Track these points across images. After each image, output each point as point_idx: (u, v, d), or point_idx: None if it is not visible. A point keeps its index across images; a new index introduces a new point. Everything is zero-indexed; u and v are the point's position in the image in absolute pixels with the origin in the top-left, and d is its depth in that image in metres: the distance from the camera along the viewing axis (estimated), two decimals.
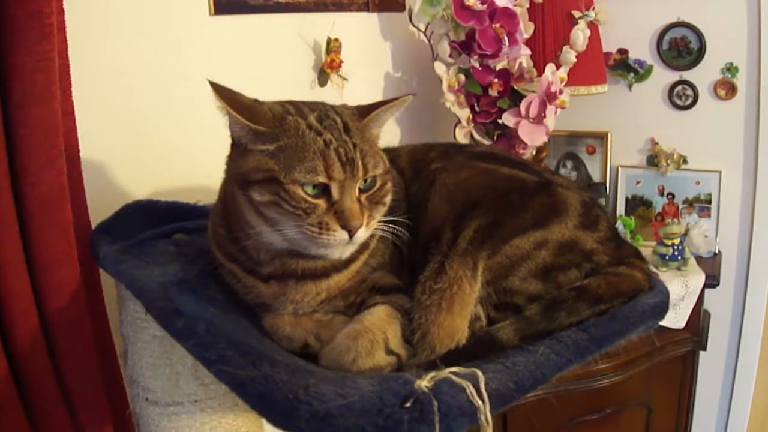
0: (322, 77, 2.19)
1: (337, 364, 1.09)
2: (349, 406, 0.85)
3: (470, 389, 0.90)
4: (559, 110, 2.45)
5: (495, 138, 2.58)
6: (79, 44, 1.37)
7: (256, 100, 1.15)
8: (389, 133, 2.53)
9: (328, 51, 2.15)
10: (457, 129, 2.52)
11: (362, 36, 2.38)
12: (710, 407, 3.01)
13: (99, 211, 1.46)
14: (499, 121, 2.49)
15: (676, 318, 2.56)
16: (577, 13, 2.53)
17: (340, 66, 2.16)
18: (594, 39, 2.61)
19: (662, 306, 1.32)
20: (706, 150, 2.84)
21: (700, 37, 2.74)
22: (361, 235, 1.11)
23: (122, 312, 1.39)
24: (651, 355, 2.58)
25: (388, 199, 1.18)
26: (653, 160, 2.94)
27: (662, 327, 2.51)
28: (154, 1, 1.64)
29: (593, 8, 2.56)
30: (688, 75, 2.82)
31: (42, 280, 1.27)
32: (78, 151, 1.40)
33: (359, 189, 1.12)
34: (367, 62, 2.41)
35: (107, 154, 1.58)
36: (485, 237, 1.21)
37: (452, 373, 0.92)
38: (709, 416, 3.01)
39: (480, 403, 0.91)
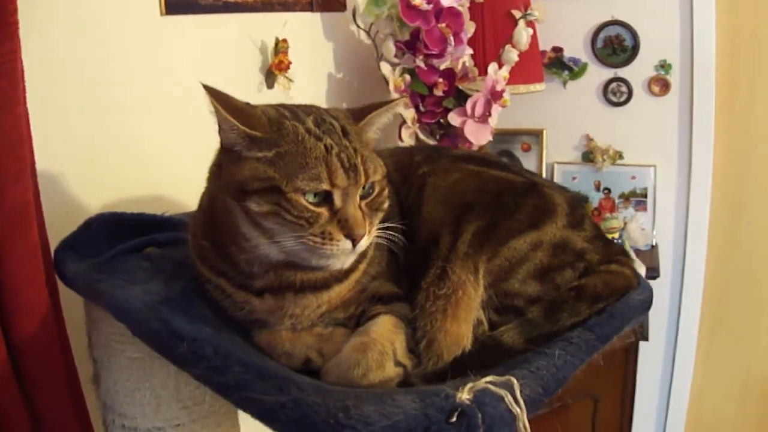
0: (270, 79, 2.12)
1: (346, 379, 1.04)
2: (395, 427, 0.80)
3: (509, 398, 0.88)
4: (500, 109, 2.46)
5: (438, 138, 2.57)
6: (24, 47, 1.27)
7: (247, 104, 1.08)
8: None
9: (276, 52, 2.08)
10: (402, 129, 2.48)
11: (306, 36, 2.32)
12: (651, 395, 3.08)
13: (52, 226, 1.36)
14: (442, 121, 2.48)
15: None
16: (517, 13, 2.55)
17: (288, 67, 2.10)
18: (531, 37, 2.63)
19: (649, 301, 1.35)
20: (641, 145, 2.91)
21: (634, 35, 2.80)
22: (364, 243, 1.07)
23: (93, 335, 1.30)
24: None
25: (386, 205, 1.13)
26: (588, 156, 2.99)
27: None
28: (105, 1, 1.54)
29: (531, 7, 2.58)
30: (622, 72, 2.88)
31: (9, 304, 1.17)
32: (34, 162, 1.30)
33: (359, 195, 1.07)
34: (312, 63, 2.35)
35: (58, 164, 1.48)
36: (483, 240, 1.19)
37: (489, 382, 0.89)
38: (651, 404, 3.09)
39: (518, 410, 0.88)
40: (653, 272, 2.69)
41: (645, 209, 2.92)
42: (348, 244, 1.04)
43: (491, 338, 1.16)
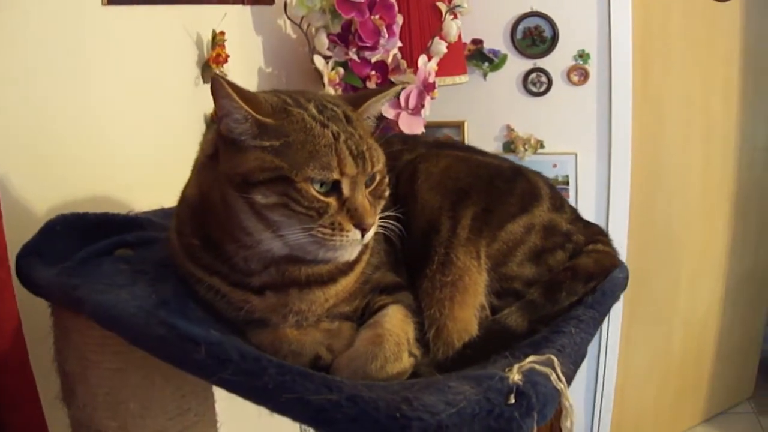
0: (206, 72, 2.03)
1: (362, 373, 1.01)
2: (460, 414, 0.78)
3: (554, 375, 0.87)
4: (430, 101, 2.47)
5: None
6: None
7: (248, 90, 1.03)
8: None
9: (214, 45, 2.00)
10: None
11: (238, 30, 2.24)
12: (582, 372, 3.15)
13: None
14: None
15: None
16: (443, 6, 2.56)
17: (226, 60, 2.02)
18: None
19: (627, 279, 1.39)
20: (562, 134, 2.98)
21: (553, 26, 2.87)
22: (372, 233, 1.04)
23: (63, 347, 1.21)
24: None
25: (387, 193, 1.11)
26: (510, 146, 3.04)
27: None
28: None
29: None
30: (542, 63, 2.94)
31: None
32: None
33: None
34: (243, 57, 2.28)
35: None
36: (482, 224, 1.20)
37: (532, 362, 0.88)
38: (582, 380, 3.17)
39: (562, 386, 0.88)
40: None
41: (567, 196, 3.00)
42: (357, 234, 1.01)
43: (496, 322, 1.16)
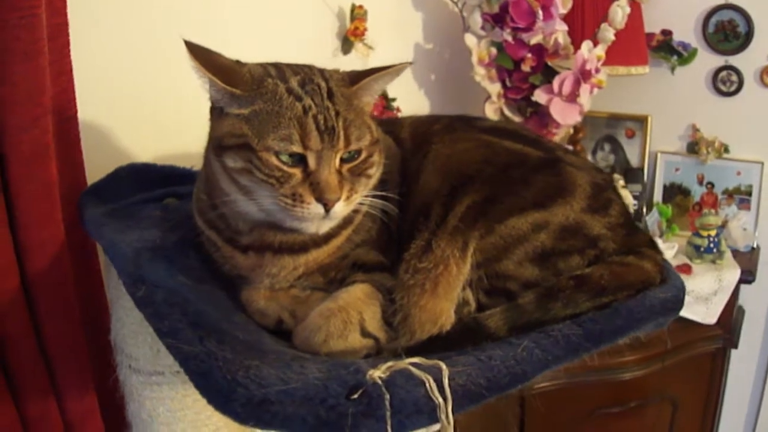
0: (346, 45, 2.12)
1: (308, 345, 1.03)
2: (290, 393, 0.78)
3: (430, 383, 0.82)
4: (595, 90, 2.34)
5: (527, 115, 2.49)
6: (78, 1, 1.33)
7: (237, 62, 1.08)
8: (417, 106, 2.47)
9: (352, 18, 2.08)
10: (487, 104, 2.44)
11: (391, 4, 2.30)
12: (739, 407, 2.88)
13: (100, 175, 1.43)
14: (532, 98, 2.39)
15: (707, 313, 2.44)
16: None
17: (364, 34, 2.09)
18: (636, 18, 2.49)
19: (675, 302, 1.17)
20: (749, 140, 2.69)
21: (748, 20, 2.58)
22: (340, 209, 1.04)
23: (108, 276, 1.36)
24: (679, 350, 2.47)
25: (373, 171, 1.10)
26: (693, 148, 2.80)
27: (692, 322, 2.41)
28: None
29: None
30: (733, 60, 2.67)
31: (24, 239, 1.24)
32: (75, 111, 1.37)
33: (341, 159, 1.05)
34: (396, 32, 2.34)
35: (108, 116, 1.55)
36: (478, 215, 1.12)
37: (412, 364, 0.85)
38: (738, 416, 2.89)
39: (440, 399, 0.82)
40: (748, 275, 2.50)
41: (748, 208, 2.71)
42: (319, 208, 1.02)
43: (475, 321, 1.09)
